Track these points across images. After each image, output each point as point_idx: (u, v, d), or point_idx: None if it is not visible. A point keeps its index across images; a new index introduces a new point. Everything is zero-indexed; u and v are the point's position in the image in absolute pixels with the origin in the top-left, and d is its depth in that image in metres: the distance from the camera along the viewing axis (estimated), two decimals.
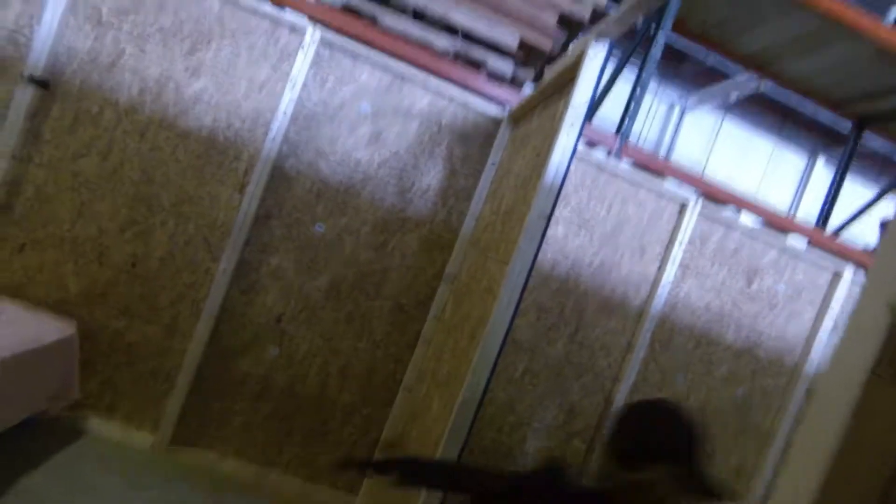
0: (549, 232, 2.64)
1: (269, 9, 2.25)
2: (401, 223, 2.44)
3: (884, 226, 4.28)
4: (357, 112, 2.36)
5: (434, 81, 2.40)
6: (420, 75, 2.38)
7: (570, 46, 2.92)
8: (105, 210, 2.24)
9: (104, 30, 2.21)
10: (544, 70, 3.68)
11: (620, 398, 2.72)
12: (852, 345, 0.40)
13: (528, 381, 2.65)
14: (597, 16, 2.84)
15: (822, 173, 10.19)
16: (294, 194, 2.34)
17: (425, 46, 2.51)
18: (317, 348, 2.43)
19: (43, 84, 2.13)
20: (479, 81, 2.54)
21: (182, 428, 2.35)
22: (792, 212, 9.91)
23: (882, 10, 4.87)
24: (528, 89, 2.74)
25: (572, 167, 2.64)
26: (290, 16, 2.27)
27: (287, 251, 2.36)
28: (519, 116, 2.39)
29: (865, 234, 5.18)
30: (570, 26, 2.85)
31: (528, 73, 2.82)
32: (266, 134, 2.26)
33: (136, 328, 2.30)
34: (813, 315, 2.95)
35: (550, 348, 2.65)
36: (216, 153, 2.26)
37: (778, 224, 3.42)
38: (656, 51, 3.21)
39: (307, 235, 2.37)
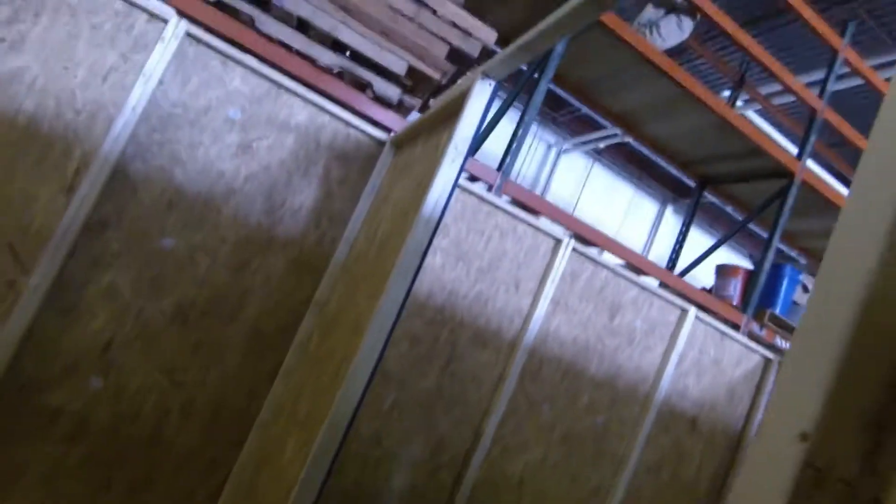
0: (427, 261, 2.59)
1: None
2: (267, 243, 2.22)
3: (719, 270, 4.86)
4: (224, 119, 2.13)
5: (315, 97, 2.25)
6: (300, 88, 2.22)
7: (459, 81, 2.94)
8: None
9: None
10: (430, 101, 3.69)
11: (489, 429, 2.71)
12: None
13: (396, 414, 2.53)
14: (485, 55, 2.89)
15: (671, 220, 11.54)
16: (139, 202, 2.03)
17: (308, 59, 2.36)
18: (153, 381, 2.09)
19: None
20: (364, 103, 2.44)
21: None
22: (645, 253, 11.02)
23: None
24: (413, 117, 2.69)
25: (453, 199, 2.63)
26: (150, 1, 2.00)
27: (124, 267, 2.02)
28: (402, 143, 2.32)
29: (704, 277, 5.87)
30: (460, 61, 2.88)
31: (414, 102, 2.78)
32: (108, 131, 1.93)
33: None
34: (663, 349, 3.21)
35: (422, 380, 2.58)
36: (38, 145, 1.88)
37: (638, 265, 3.71)
38: (538, 97, 3.36)
39: (152, 250, 2.05)
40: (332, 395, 1.58)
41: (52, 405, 1.97)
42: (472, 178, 3.17)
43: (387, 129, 2.43)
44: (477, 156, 3.63)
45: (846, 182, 7.28)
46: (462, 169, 1.52)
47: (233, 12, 2.23)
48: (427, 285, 2.53)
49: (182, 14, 2.07)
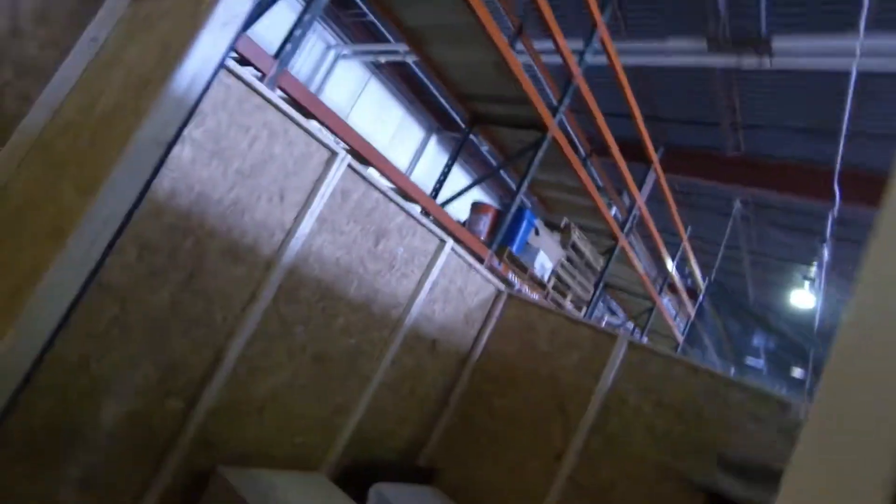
0: (173, 152, 2.06)
1: None
2: None
3: (474, 206, 5.27)
4: None
5: None
6: None
7: None
8: None
9: None
10: None
11: (235, 351, 2.43)
12: None
13: (115, 334, 2.05)
14: None
15: (432, 149, 12.14)
16: None
17: None
18: None
19: None
20: None
21: None
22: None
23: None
24: None
25: (216, 80, 2.12)
26: None
27: None
28: None
29: (460, 211, 6.33)
30: None
31: None
32: None
33: None
34: (419, 276, 3.32)
35: (153, 296, 2.12)
36: None
37: (407, 191, 3.72)
38: None
39: None
40: (9, 323, 1.13)
41: None
42: (243, 62, 2.63)
43: None
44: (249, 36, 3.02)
45: (576, 145, 8.60)
46: (235, 41, 1.15)
47: None
48: (170, 183, 2.03)
49: None
